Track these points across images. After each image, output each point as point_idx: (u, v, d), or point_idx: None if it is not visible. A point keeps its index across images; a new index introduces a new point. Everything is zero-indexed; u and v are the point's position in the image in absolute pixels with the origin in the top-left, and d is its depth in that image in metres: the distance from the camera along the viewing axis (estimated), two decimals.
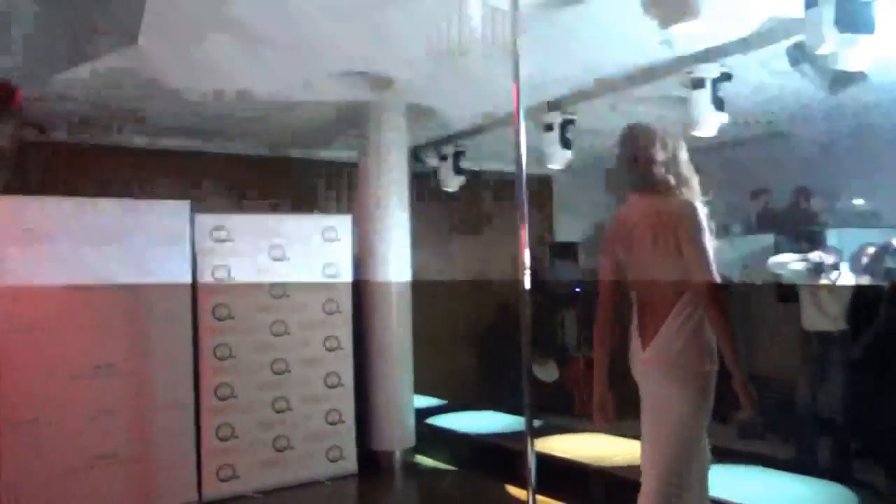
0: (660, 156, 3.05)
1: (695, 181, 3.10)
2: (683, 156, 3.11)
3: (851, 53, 3.82)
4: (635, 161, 3.07)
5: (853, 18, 3.71)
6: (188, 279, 5.47)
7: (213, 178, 7.45)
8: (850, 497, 4.53)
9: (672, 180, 3.05)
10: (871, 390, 5.02)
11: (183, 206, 5.53)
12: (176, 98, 5.85)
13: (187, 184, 7.14)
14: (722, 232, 8.44)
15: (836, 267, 5.44)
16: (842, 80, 4.46)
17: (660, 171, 3.04)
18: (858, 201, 7.44)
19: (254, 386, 5.69)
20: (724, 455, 5.72)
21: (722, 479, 4.77)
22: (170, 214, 5.43)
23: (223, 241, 5.64)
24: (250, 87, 5.71)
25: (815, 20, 3.74)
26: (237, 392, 5.61)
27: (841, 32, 3.66)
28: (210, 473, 5.48)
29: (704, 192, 3.16)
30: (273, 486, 5.67)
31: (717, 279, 2.89)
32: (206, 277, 5.56)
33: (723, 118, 4.99)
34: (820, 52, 3.82)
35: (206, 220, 5.64)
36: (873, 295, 5.49)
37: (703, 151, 8.68)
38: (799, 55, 4.29)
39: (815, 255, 5.50)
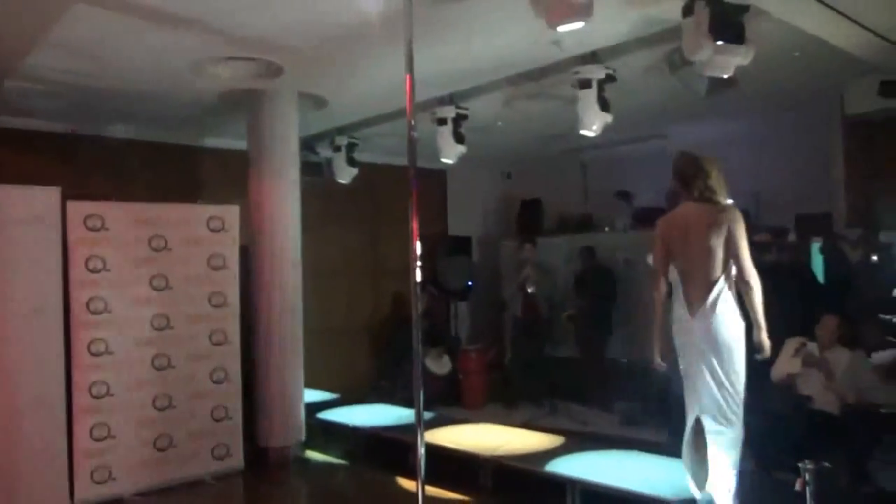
0: (712, 173, 3.95)
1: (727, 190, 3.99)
2: (720, 172, 3.99)
3: (723, 61, 4.06)
4: (695, 178, 3.96)
5: (726, 28, 3.96)
6: (58, 270, 5.13)
7: (89, 163, 7.01)
8: None
9: (719, 191, 3.94)
10: None
11: (52, 191, 5.16)
12: (39, 76, 5.47)
13: (60, 168, 6.68)
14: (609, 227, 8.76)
15: None
16: (716, 85, 4.74)
17: (711, 184, 3.93)
18: (728, 201, 7.93)
19: (133, 383, 5.42)
20: (607, 441, 6.01)
21: (599, 464, 5.00)
22: (37, 200, 5.06)
23: (97, 230, 5.32)
24: (128, 68, 5.41)
25: (692, 28, 3.95)
26: (114, 390, 5.32)
27: (714, 41, 3.89)
28: (83, 475, 5.18)
29: None
30: (154, 486, 5.44)
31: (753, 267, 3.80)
32: (78, 269, 5.23)
33: (607, 118, 5.19)
34: (695, 59, 4.04)
35: (79, 208, 5.30)
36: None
37: (588, 149, 9.03)
38: (677, 61, 4.52)
39: None
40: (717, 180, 3.96)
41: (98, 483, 5.23)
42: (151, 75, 5.62)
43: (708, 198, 3.94)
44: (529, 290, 8.31)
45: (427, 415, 4.96)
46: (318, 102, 6.54)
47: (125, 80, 5.68)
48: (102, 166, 7.09)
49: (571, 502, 4.66)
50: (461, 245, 9.70)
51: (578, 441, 5.84)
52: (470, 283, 9.47)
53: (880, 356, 4.75)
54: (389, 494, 5.43)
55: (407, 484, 5.41)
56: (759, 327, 3.83)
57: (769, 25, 4.41)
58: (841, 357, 5.08)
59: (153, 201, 5.88)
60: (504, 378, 8.71)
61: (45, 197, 5.11)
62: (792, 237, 7.03)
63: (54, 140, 6.91)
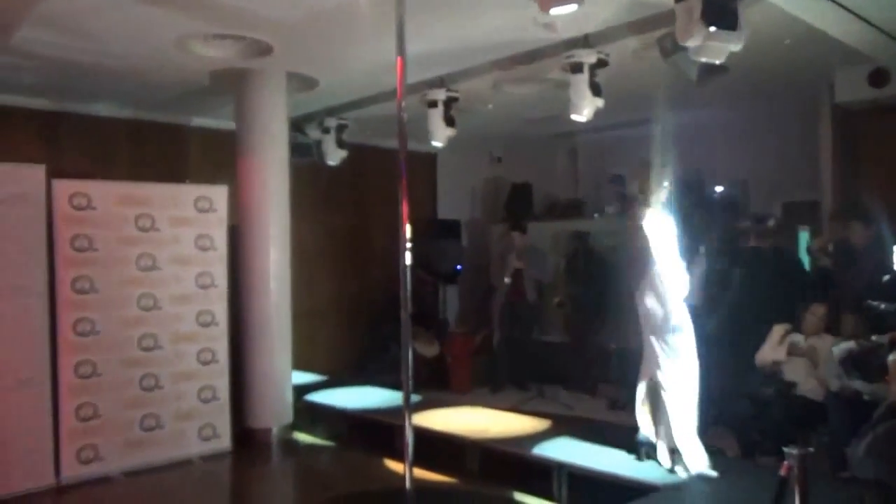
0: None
1: None
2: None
3: (715, 47, 4.04)
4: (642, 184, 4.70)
5: (719, 14, 3.94)
6: (43, 249, 5.08)
7: (73, 141, 6.92)
8: None
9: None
10: (722, 362, 5.42)
11: (37, 169, 5.11)
12: (28, 52, 5.38)
13: (42, 146, 6.58)
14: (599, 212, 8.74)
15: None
16: (708, 71, 4.73)
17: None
18: (719, 188, 7.96)
19: (119, 363, 5.41)
20: (593, 425, 6.06)
21: (585, 447, 5.04)
22: (22, 178, 5.00)
23: (83, 208, 5.27)
24: (113, 44, 5.32)
25: (684, 14, 3.93)
26: (101, 370, 5.30)
27: (707, 27, 3.87)
28: (69, 455, 5.18)
29: None
30: (140, 466, 5.44)
31: None
32: (64, 248, 5.18)
33: (599, 103, 5.16)
34: (687, 44, 4.02)
35: (65, 186, 5.24)
36: (724, 272, 5.93)
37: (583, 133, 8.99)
38: (669, 46, 4.50)
39: None
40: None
41: (84, 463, 5.23)
42: (137, 52, 5.53)
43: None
44: (506, 280, 8.31)
45: (414, 398, 4.97)
46: (308, 83, 6.47)
47: (110, 55, 5.59)
48: (87, 144, 7.00)
49: (558, 485, 4.70)
50: (450, 228, 9.68)
51: (565, 425, 5.87)
52: (459, 266, 9.46)
53: (839, 349, 4.79)
54: (377, 476, 5.45)
55: (394, 466, 5.43)
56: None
57: (761, 11, 4.39)
58: (825, 344, 5.12)
59: (139, 181, 5.82)
60: (492, 362, 8.74)
61: (30, 175, 5.07)
62: (772, 223, 7.06)
63: (37, 117, 6.81)
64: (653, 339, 4.56)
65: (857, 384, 4.58)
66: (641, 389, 4.70)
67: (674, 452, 4.53)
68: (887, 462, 2.57)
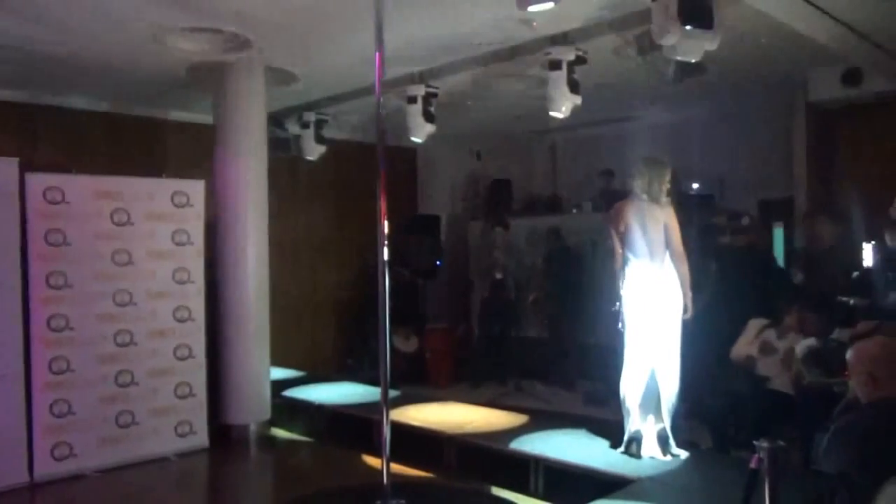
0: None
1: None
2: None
3: (691, 46, 4.09)
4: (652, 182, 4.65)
5: (694, 13, 3.99)
6: (16, 244, 5.01)
7: (47, 134, 6.82)
8: None
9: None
10: (697, 357, 5.48)
11: (10, 163, 5.03)
12: (1, 43, 5.30)
13: (15, 139, 6.48)
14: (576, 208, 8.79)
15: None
16: (684, 70, 4.79)
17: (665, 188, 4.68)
18: (695, 185, 8.05)
19: (94, 359, 5.34)
20: (570, 419, 6.10)
21: (562, 442, 5.08)
22: None
23: (58, 202, 5.20)
24: (88, 36, 5.26)
25: (661, 12, 3.98)
26: (74, 366, 5.24)
27: (683, 25, 3.92)
28: (43, 452, 5.11)
29: None
30: (115, 463, 5.38)
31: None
32: (38, 242, 5.11)
33: (576, 100, 5.20)
34: (663, 42, 4.06)
35: (38, 180, 5.17)
36: (700, 269, 5.99)
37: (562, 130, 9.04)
38: (646, 44, 4.54)
39: None
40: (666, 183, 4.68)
41: (58, 459, 5.17)
42: (114, 44, 5.47)
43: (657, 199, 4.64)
44: (497, 277, 8.35)
45: (393, 393, 4.98)
46: (287, 77, 6.44)
47: (86, 48, 5.53)
48: (62, 138, 6.91)
49: (535, 480, 4.74)
50: (430, 224, 9.68)
51: (542, 419, 5.91)
52: (438, 262, 9.48)
53: (801, 346, 4.89)
54: (355, 472, 5.45)
55: (372, 461, 5.43)
56: (686, 293, 4.66)
57: (737, 11, 4.45)
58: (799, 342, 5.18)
59: (116, 175, 5.76)
60: (470, 357, 8.77)
61: (3, 168, 4.98)
62: (746, 221, 7.16)
63: (10, 109, 6.70)
64: (646, 326, 4.60)
65: (820, 380, 4.67)
66: (632, 382, 4.71)
67: (664, 440, 4.64)
68: (845, 456, 2.63)
